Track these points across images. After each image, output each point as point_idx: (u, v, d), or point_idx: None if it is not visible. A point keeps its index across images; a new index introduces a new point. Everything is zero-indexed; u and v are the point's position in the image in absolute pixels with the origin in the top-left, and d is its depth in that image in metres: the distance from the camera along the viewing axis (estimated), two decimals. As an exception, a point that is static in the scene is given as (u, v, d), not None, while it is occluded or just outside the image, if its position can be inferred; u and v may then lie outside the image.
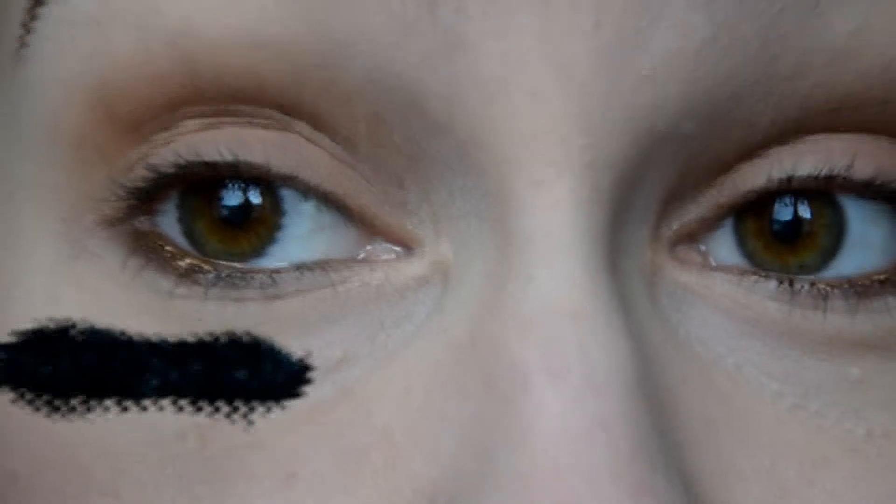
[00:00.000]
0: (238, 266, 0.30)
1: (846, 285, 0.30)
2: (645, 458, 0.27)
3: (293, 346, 0.30)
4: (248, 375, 0.28)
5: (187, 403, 0.29)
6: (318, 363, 0.30)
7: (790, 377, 0.30)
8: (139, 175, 0.30)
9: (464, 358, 0.28)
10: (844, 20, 0.29)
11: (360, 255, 0.30)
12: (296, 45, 0.28)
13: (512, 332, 0.28)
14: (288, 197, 0.30)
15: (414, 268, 0.30)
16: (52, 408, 0.29)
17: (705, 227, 0.31)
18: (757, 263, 0.31)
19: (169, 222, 0.30)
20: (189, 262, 0.30)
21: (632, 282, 0.29)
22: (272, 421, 0.29)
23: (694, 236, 0.31)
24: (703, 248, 0.31)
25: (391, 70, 0.28)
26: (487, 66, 0.28)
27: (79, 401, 0.29)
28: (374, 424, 0.29)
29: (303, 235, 0.30)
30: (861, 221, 0.31)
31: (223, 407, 0.29)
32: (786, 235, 0.31)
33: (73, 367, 0.28)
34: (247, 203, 0.30)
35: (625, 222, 0.29)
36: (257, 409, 0.29)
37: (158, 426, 0.30)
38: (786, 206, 0.31)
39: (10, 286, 0.32)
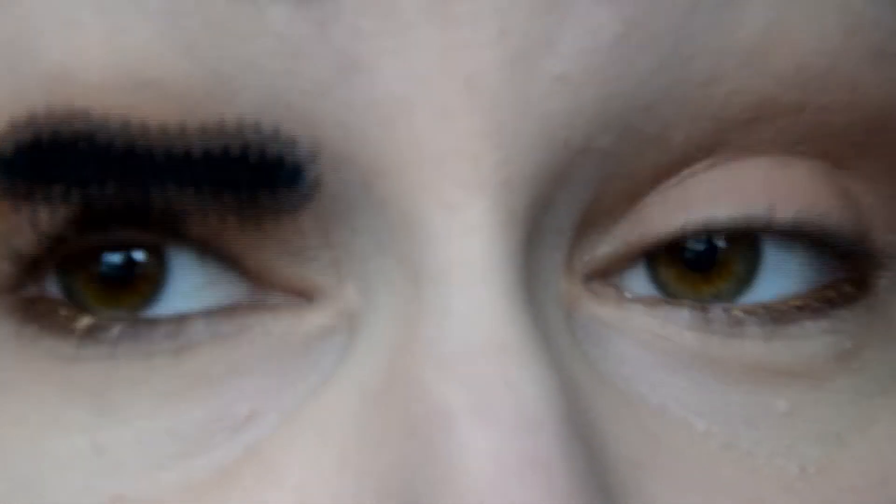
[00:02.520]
0: (141, 316, 0.28)
1: (762, 311, 0.29)
2: (583, 499, 0.25)
3: (202, 403, 0.28)
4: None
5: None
6: (225, 422, 0.28)
7: (718, 413, 0.29)
8: (24, 239, 0.28)
9: (379, 405, 0.27)
10: (757, 16, 0.28)
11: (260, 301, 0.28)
12: (179, 83, 0.27)
13: (431, 372, 0.26)
14: (173, 251, 0.28)
15: (317, 316, 0.28)
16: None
17: (619, 265, 0.29)
18: (670, 294, 0.29)
19: (50, 282, 0.28)
20: (87, 320, 0.28)
21: (549, 313, 0.28)
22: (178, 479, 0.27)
23: (607, 272, 0.29)
24: (616, 281, 0.29)
25: (281, 101, 0.27)
26: (387, 88, 0.26)
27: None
28: (286, 485, 0.27)
29: (189, 292, 0.28)
30: (777, 248, 0.30)
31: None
32: (699, 265, 0.30)
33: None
34: (129, 259, 0.28)
35: (539, 248, 0.28)
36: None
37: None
38: (700, 238, 0.30)
39: None
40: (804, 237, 0.30)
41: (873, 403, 0.30)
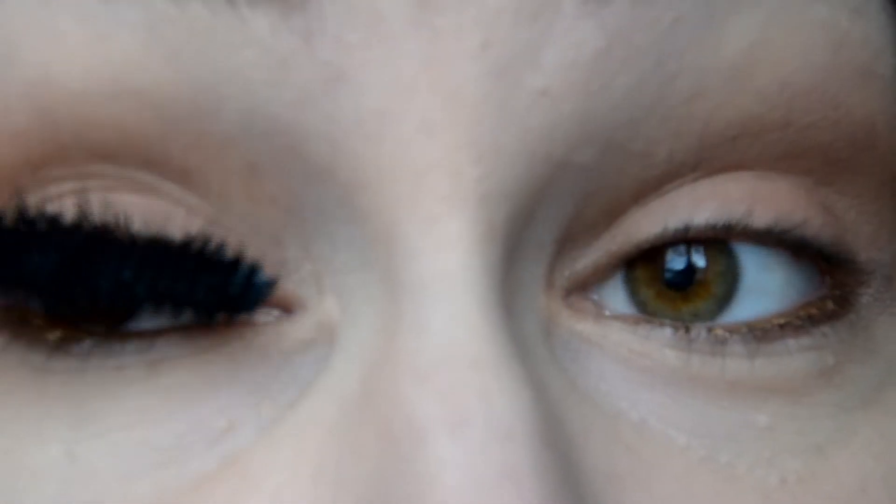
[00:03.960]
0: (114, 330, 0.28)
1: (744, 330, 0.30)
2: None
3: (178, 416, 0.28)
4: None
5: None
6: (202, 434, 0.28)
7: (697, 428, 0.29)
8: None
9: (357, 416, 0.27)
10: (740, 34, 0.28)
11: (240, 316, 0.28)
12: (162, 93, 0.27)
13: (407, 384, 0.26)
14: None
15: (297, 329, 0.28)
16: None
17: (598, 276, 0.29)
18: (649, 312, 0.30)
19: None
20: (59, 332, 0.28)
21: (527, 328, 0.28)
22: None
23: (586, 286, 0.29)
24: (595, 297, 0.29)
25: (266, 112, 0.27)
26: (371, 100, 0.26)
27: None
28: (262, 493, 0.27)
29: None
30: (756, 268, 0.30)
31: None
32: (678, 284, 0.30)
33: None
34: None
35: (518, 262, 0.28)
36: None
37: None
38: (679, 254, 0.30)
39: None
40: (783, 246, 0.30)
41: (854, 416, 0.30)
